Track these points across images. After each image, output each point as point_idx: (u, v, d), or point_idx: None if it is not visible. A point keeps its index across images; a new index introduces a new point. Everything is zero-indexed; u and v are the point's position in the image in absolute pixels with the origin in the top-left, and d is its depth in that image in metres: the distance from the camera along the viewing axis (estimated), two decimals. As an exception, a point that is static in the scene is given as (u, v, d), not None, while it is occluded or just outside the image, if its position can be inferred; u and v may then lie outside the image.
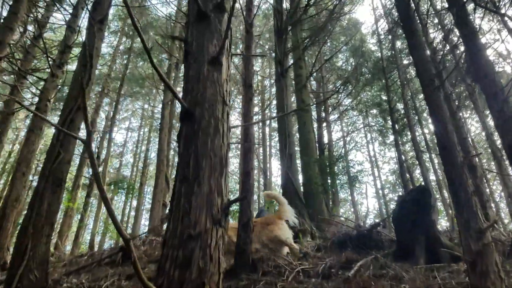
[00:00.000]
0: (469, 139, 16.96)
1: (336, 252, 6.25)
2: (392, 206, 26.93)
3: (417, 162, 21.89)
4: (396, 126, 15.69)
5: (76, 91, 7.24)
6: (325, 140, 20.10)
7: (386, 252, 5.68)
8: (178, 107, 22.11)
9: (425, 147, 21.13)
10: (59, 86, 12.33)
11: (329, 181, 15.45)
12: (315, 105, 19.18)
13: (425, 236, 5.30)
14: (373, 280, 4.20)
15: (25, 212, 6.17)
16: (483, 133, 20.91)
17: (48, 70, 11.83)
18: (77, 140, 7.60)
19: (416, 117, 20.21)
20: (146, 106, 33.15)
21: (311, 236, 8.31)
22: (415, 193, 5.58)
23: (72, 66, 14.98)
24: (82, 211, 19.17)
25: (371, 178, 27.65)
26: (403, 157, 25.66)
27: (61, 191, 6.28)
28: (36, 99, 12.64)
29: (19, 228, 6.01)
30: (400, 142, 16.26)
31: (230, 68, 2.58)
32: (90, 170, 22.86)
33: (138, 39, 23.97)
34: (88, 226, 28.17)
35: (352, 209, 25.29)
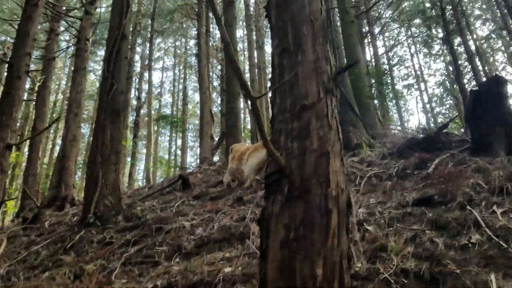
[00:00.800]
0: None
1: (404, 158, 6.04)
2: (441, 119, 26.10)
3: (465, 70, 20.77)
4: (450, 26, 14.50)
5: (117, 21, 7.06)
6: (368, 57, 19.23)
7: (460, 149, 5.42)
8: (212, 38, 21.54)
9: (475, 52, 19.83)
10: (95, 28, 12.18)
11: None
12: (356, 20, 18.08)
13: (503, 128, 4.97)
14: (456, 173, 4.00)
15: (87, 148, 6.31)
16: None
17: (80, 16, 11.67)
18: (127, 71, 7.54)
19: (464, 22, 18.84)
20: (177, 43, 32.73)
21: (369, 147, 8.12)
22: (490, 84, 5.19)
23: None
24: (133, 148, 19.80)
25: (417, 93, 26.68)
26: (451, 68, 24.39)
27: (120, 121, 6.34)
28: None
29: (88, 159, 6.18)
30: (452, 45, 15.17)
31: None
32: (135, 112, 23.19)
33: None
34: (139, 167, 29.32)
35: (399, 127, 24.74)
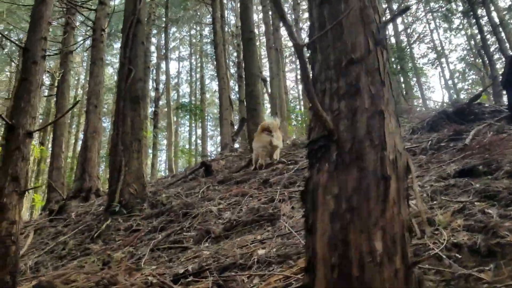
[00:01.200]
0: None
1: (435, 131, 5.78)
2: (463, 95, 25.37)
3: (488, 43, 19.96)
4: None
5: (132, 6, 6.92)
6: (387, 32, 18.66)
7: (496, 119, 5.12)
8: (226, 24, 21.28)
9: (499, 24, 19.08)
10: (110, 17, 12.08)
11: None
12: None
13: (545, 94, 4.65)
14: (498, 142, 3.74)
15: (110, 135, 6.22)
16: None
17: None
18: (144, 61, 7.39)
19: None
20: (192, 32, 32.51)
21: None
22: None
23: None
24: (154, 138, 19.84)
25: (438, 69, 25.91)
26: (473, 42, 23.57)
27: (140, 108, 6.21)
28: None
29: (110, 147, 6.11)
30: (477, 16, 14.56)
31: None
32: (153, 103, 23.16)
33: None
34: (160, 157, 29.44)
35: (421, 105, 24.16)
